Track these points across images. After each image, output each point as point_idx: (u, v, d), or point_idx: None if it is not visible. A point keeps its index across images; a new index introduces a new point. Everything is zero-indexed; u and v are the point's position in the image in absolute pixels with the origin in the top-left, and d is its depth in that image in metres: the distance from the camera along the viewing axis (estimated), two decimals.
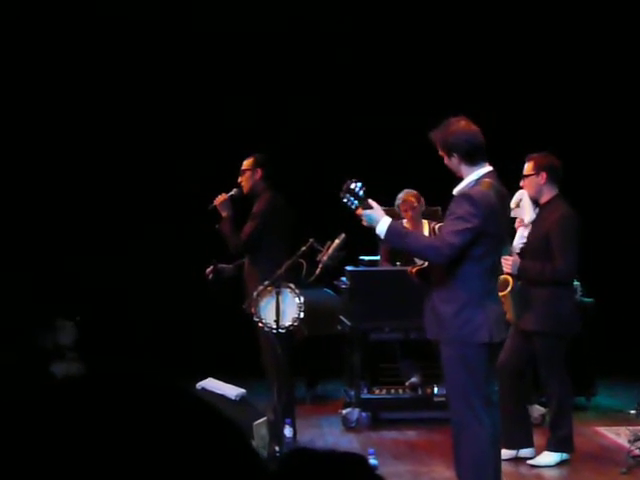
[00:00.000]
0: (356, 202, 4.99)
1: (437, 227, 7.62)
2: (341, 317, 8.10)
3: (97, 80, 10.10)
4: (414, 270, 5.26)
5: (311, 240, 6.46)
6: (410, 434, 7.67)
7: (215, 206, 7.32)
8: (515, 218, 6.54)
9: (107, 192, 10.20)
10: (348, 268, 7.91)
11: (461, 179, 5.12)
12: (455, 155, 5.07)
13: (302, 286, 6.62)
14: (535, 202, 6.65)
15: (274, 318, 6.47)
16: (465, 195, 5.00)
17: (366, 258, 8.26)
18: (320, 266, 6.25)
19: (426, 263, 5.17)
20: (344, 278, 8.04)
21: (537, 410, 7.66)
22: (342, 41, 10.20)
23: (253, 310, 6.62)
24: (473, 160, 5.07)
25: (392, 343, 8.27)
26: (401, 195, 8.14)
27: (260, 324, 6.61)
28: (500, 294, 5.64)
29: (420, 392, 7.99)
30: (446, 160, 5.14)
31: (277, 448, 6.43)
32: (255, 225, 7.23)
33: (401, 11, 10.26)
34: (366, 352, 7.97)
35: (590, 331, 7.97)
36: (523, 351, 6.60)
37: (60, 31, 9.98)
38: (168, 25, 10.13)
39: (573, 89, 10.17)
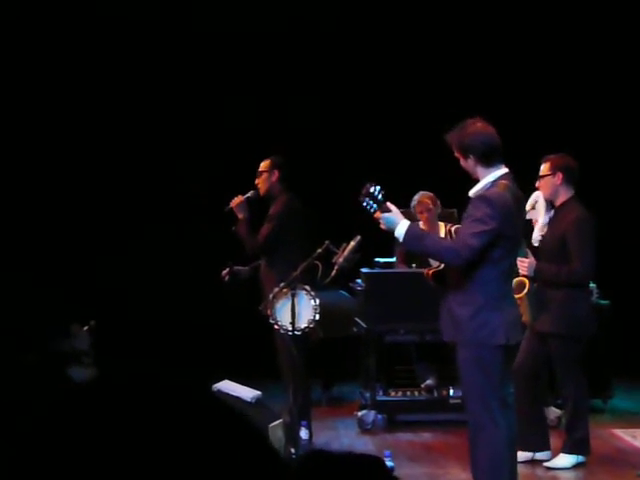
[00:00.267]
0: (375, 206, 4.99)
1: (453, 229, 7.59)
2: (356, 319, 8.09)
3: (106, 82, 10.11)
4: (430, 272, 5.26)
5: (327, 242, 6.46)
6: (426, 436, 7.66)
7: (231, 208, 7.32)
8: (530, 220, 6.52)
9: (123, 194, 10.21)
10: (363, 270, 7.90)
11: (477, 181, 5.11)
12: (471, 157, 5.06)
13: (318, 288, 6.61)
14: (551, 204, 6.63)
15: (290, 320, 6.47)
16: (482, 197, 4.99)
17: (381, 260, 8.24)
18: (336, 268, 6.25)
19: (442, 265, 5.17)
20: (359, 280, 8.02)
21: (553, 412, 7.63)
22: (358, 42, 10.20)
23: (269, 312, 6.62)
24: (489, 162, 5.06)
25: (408, 345, 8.26)
26: (417, 197, 8.13)
27: (276, 326, 6.61)
28: (516, 296, 5.63)
29: (436, 394, 7.97)
30: (462, 162, 5.13)
31: (293, 450, 6.42)
32: (272, 227, 7.23)
33: (417, 10, 10.25)
34: (382, 354, 7.96)
35: (606, 333, 7.94)
36: (539, 353, 6.58)
37: (60, 31, 9.99)
38: (171, 25, 10.14)
39: (590, 90, 10.13)
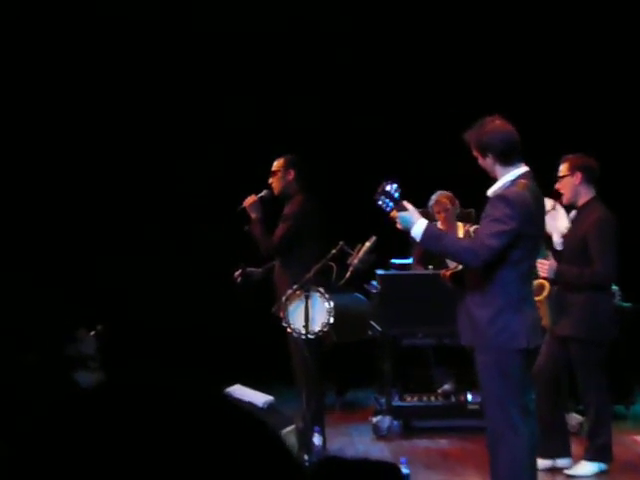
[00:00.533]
0: (391, 204, 4.96)
1: (472, 230, 7.58)
2: (372, 322, 8.07)
3: (107, 82, 10.16)
4: (448, 274, 5.24)
5: (341, 243, 6.45)
6: (443, 443, 7.64)
7: (244, 208, 7.30)
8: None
9: (132, 195, 10.22)
10: (379, 272, 7.88)
11: (495, 180, 5.09)
12: (490, 155, 5.04)
13: (332, 290, 6.60)
14: (572, 205, 6.60)
15: (303, 323, 6.46)
16: (501, 196, 4.97)
17: (398, 261, 8.22)
18: (350, 270, 6.24)
19: (460, 266, 5.15)
20: (375, 282, 8.01)
21: (574, 418, 7.59)
22: (376, 37, 10.20)
23: (282, 315, 6.60)
24: (508, 160, 5.04)
25: (424, 349, 8.24)
26: (434, 197, 8.12)
27: (289, 329, 6.59)
28: (536, 299, 5.60)
29: (453, 399, 7.95)
30: (480, 160, 5.12)
31: (306, 457, 6.41)
32: (288, 227, 7.20)
33: (438, 3, 10.24)
34: (397, 358, 7.94)
35: (628, 337, 7.90)
36: (559, 358, 6.55)
37: (60, 31, 10.03)
38: (175, 24, 10.19)
39: (615, 87, 10.09)
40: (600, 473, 6.58)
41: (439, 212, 8.04)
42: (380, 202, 4.98)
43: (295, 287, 6.53)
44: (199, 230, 10.07)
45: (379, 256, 6.58)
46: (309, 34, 10.09)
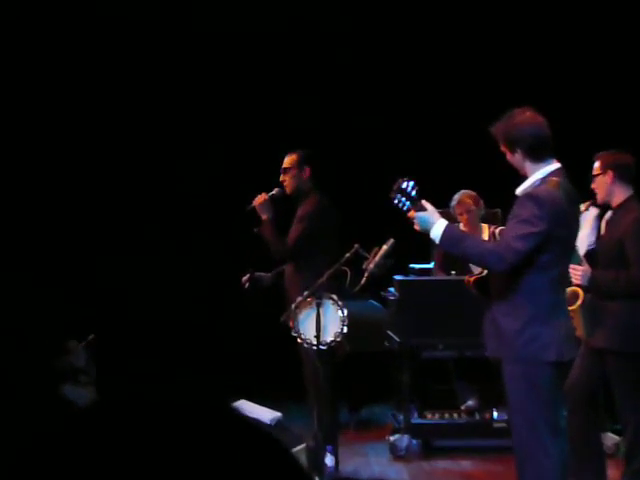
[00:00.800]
0: (408, 203, 4.94)
1: (498, 231, 7.56)
2: (389, 332, 8.06)
3: (109, 82, 10.29)
4: (472, 279, 5.22)
5: (356, 246, 6.43)
6: (465, 464, 7.63)
7: (253, 207, 7.27)
8: None
9: (132, 196, 10.24)
10: (397, 277, 7.88)
11: (525, 177, 5.06)
12: (519, 150, 5.01)
13: (345, 297, 6.58)
14: (607, 205, 6.57)
15: (314, 333, 6.43)
16: (530, 195, 4.94)
17: (417, 266, 8.22)
18: (366, 275, 6.21)
19: (485, 272, 5.12)
20: (392, 288, 8.01)
21: (610, 439, 7.56)
22: (397, 32, 10.22)
23: (291, 324, 6.57)
24: (539, 156, 5.01)
25: (446, 361, 8.24)
26: (457, 196, 8.10)
27: (299, 339, 6.57)
28: (569, 308, 5.56)
29: (477, 417, 7.95)
30: (509, 156, 5.09)
31: (317, 479, 6.39)
32: (303, 229, 7.17)
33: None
34: (417, 371, 7.93)
35: None
36: (595, 372, 6.50)
37: (61, 31, 10.15)
38: (176, 24, 10.36)
39: None
40: None
41: (461, 213, 8.02)
42: (396, 201, 4.96)
43: (306, 294, 6.50)
44: (204, 232, 10.07)
45: (397, 260, 6.54)
46: (350, 25, 10.11)
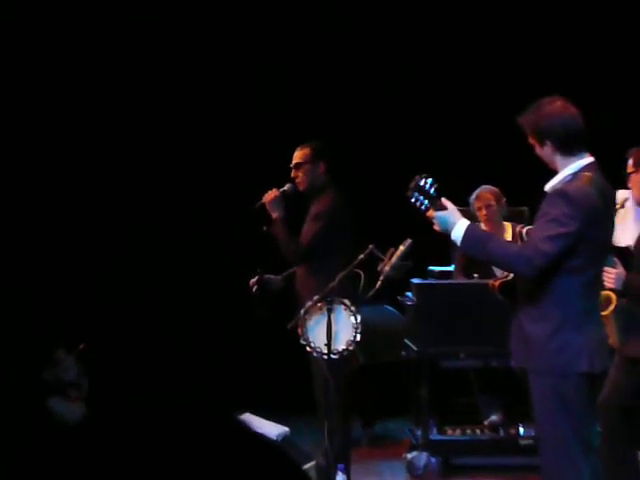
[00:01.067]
0: (427, 202, 4.94)
1: (525, 231, 7.53)
2: (406, 340, 8.06)
3: (110, 83, 10.38)
4: (497, 284, 5.21)
5: (370, 247, 6.42)
6: None
7: (263, 204, 7.24)
8: None
9: (132, 195, 10.28)
10: (415, 281, 7.87)
11: (555, 172, 5.04)
12: (548, 143, 5.00)
13: (359, 302, 6.56)
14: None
15: (325, 341, 6.42)
16: (560, 192, 4.92)
17: (437, 269, 8.22)
18: (381, 278, 6.21)
19: (511, 275, 5.11)
20: (410, 293, 8.01)
21: None
22: (417, 24, 10.25)
23: (300, 331, 6.56)
24: (570, 149, 5.00)
25: (468, 372, 8.25)
26: (477, 191, 8.08)
27: (308, 348, 6.55)
28: (602, 314, 5.55)
29: (502, 433, 7.96)
30: (537, 149, 5.08)
31: None
32: (319, 228, 7.15)
33: None
34: (436, 383, 7.92)
35: None
36: (630, 384, 6.49)
37: (60, 30, 10.22)
38: (177, 24, 10.45)
39: None
40: None
41: (480, 208, 8.02)
42: (413, 200, 4.95)
43: (316, 298, 6.49)
44: (207, 232, 10.07)
45: (415, 262, 6.53)
46: (372, 21, 10.18)
